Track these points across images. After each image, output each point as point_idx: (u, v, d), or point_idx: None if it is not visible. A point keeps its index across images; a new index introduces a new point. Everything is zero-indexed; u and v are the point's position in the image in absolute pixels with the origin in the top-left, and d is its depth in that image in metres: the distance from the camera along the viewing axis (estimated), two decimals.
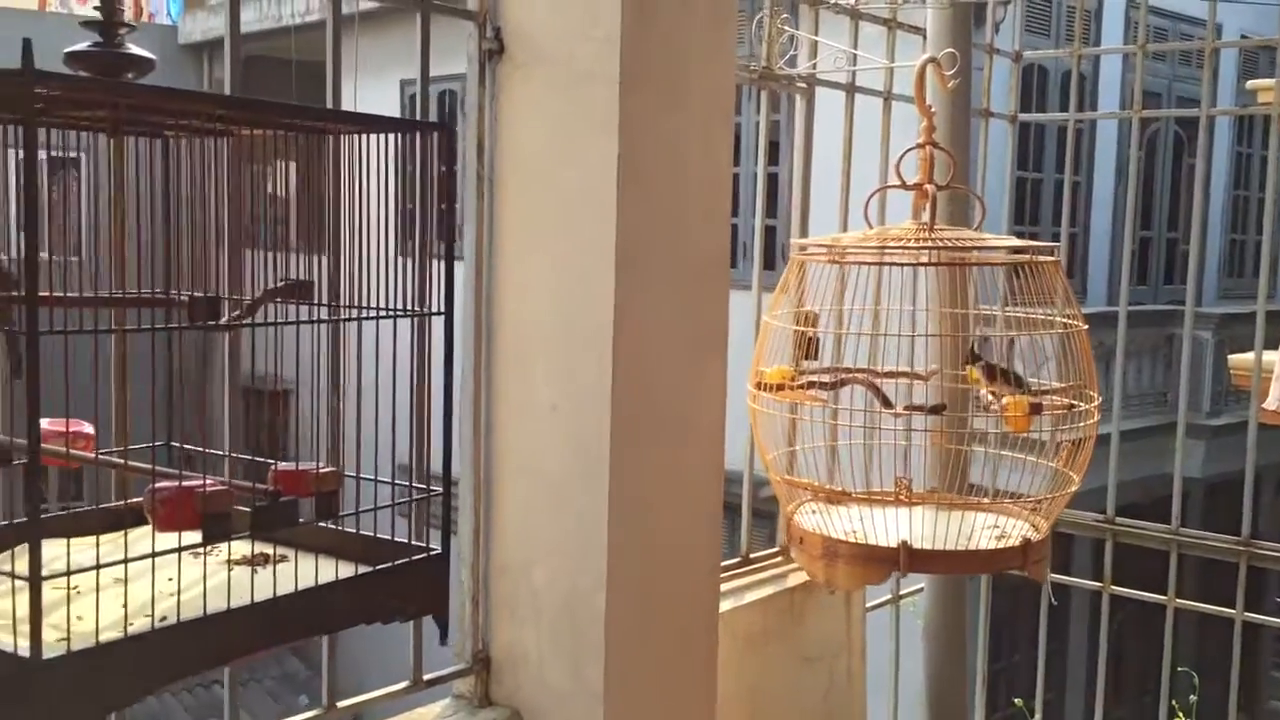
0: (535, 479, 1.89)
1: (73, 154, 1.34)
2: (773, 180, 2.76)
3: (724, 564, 2.42)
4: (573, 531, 1.85)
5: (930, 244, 2.01)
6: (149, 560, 1.16)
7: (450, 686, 1.96)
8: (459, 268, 1.59)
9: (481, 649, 1.95)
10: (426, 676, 1.88)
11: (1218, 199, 10.33)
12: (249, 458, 1.41)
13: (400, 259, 1.36)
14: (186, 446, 1.44)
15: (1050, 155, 8.77)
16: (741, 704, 2.38)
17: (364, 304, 1.32)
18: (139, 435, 1.47)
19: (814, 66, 2.54)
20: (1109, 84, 9.05)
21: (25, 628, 1.05)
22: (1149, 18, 8.33)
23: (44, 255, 1.18)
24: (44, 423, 1.28)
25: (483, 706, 1.94)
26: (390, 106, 10.04)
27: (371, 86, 8.28)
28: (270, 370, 1.45)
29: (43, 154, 1.19)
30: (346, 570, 1.31)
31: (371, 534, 1.34)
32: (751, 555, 2.59)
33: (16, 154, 1.20)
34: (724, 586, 2.34)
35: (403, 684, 1.85)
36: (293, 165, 1.31)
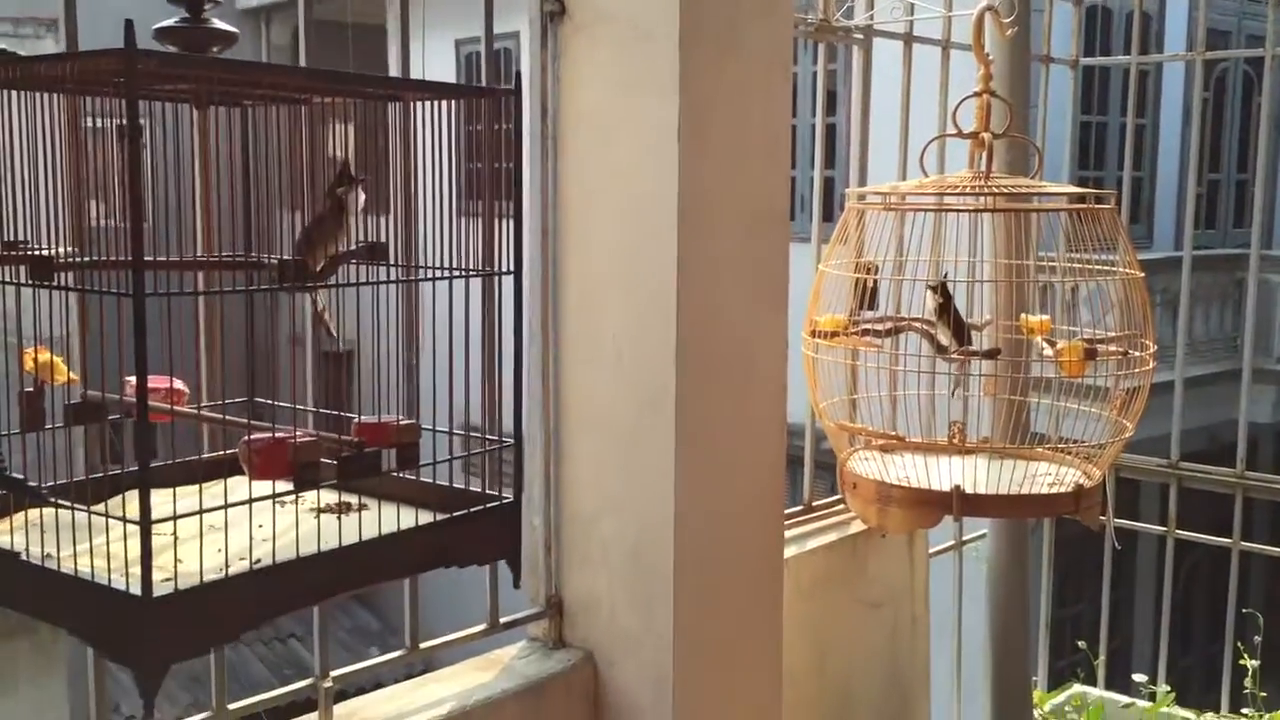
0: (603, 429, 1.95)
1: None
2: (830, 131, 2.78)
3: (787, 511, 2.46)
4: (640, 480, 1.91)
5: (986, 191, 2.03)
6: (244, 507, 1.23)
7: (525, 630, 2.04)
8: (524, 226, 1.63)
9: (554, 594, 2.02)
10: (503, 620, 1.96)
11: None
12: (330, 412, 1.48)
13: (467, 220, 1.41)
14: (270, 402, 1.51)
15: (1115, 97, 8.60)
16: (806, 648, 2.44)
17: (434, 264, 1.38)
18: (219, 391, 1.55)
19: (871, 17, 2.55)
20: (1176, 22, 8.84)
21: (136, 569, 1.13)
22: None
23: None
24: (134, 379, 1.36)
25: (556, 648, 2.01)
26: (446, 66, 10.09)
27: (428, 47, 8.34)
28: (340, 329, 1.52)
29: (101, 121, 1.25)
30: (425, 518, 1.38)
31: (448, 484, 1.41)
32: (814, 503, 2.64)
33: (92, 122, 1.27)
34: (787, 534, 2.40)
35: (480, 626, 1.93)
36: (368, 131, 1.37)
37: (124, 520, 1.14)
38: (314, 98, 1.37)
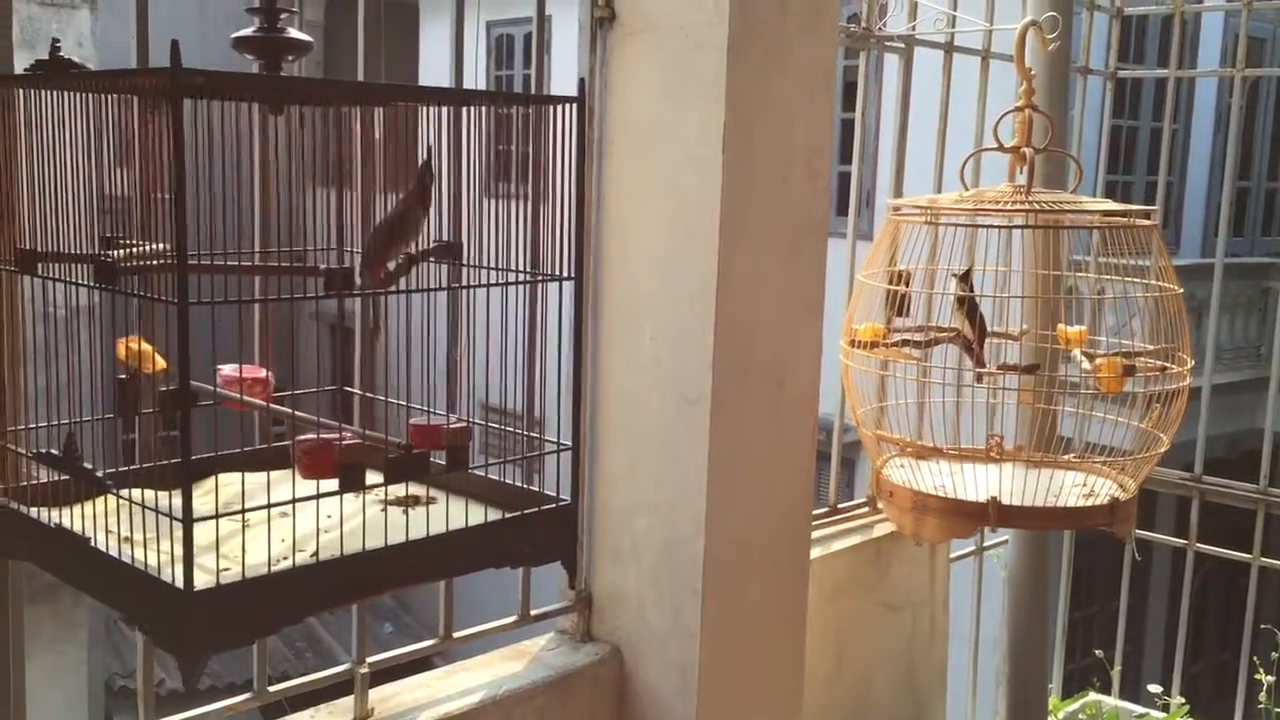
0: (638, 429, 1.98)
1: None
2: (849, 126, 2.81)
3: (813, 513, 2.49)
4: (673, 480, 1.94)
5: (1026, 207, 2.04)
6: (307, 497, 1.25)
7: (554, 622, 2.08)
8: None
9: (584, 588, 2.06)
10: (534, 612, 1.99)
11: None
12: (401, 403, 1.49)
13: (519, 221, 1.42)
14: (356, 392, 1.54)
15: (1147, 102, 8.56)
16: (827, 648, 2.47)
17: (491, 266, 1.40)
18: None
19: (913, 27, 2.56)
20: (1211, 28, 8.77)
21: (205, 558, 1.17)
22: None
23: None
24: (225, 369, 1.39)
25: (585, 641, 2.05)
26: (479, 47, 10.13)
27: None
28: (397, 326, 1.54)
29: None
30: (483, 516, 1.37)
31: (515, 484, 1.42)
32: (839, 505, 2.66)
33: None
34: (813, 535, 2.42)
35: (511, 618, 1.97)
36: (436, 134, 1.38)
37: (169, 516, 1.16)
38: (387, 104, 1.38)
